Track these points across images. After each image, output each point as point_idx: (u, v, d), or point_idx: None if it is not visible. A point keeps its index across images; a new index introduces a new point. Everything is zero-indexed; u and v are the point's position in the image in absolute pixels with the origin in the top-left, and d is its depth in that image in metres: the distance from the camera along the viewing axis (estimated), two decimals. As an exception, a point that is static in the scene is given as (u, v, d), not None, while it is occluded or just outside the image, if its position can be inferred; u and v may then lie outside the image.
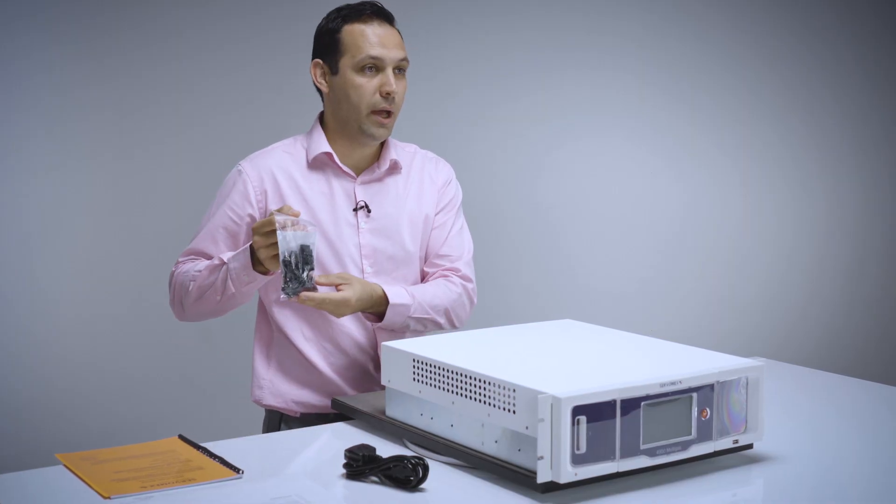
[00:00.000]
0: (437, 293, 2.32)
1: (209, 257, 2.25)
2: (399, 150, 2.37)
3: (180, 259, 2.30)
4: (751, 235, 4.10)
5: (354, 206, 2.28)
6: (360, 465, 1.70)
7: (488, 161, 3.84)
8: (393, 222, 2.31)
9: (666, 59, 3.94)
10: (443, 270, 2.41)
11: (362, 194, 2.29)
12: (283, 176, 2.26)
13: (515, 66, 3.83)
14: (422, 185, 2.37)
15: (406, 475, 1.66)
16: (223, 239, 2.25)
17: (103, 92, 3.46)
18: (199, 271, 2.21)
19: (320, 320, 2.26)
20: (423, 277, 2.43)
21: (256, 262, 2.12)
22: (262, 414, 2.39)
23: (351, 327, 2.27)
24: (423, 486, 1.66)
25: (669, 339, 2.02)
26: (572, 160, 3.92)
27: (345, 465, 1.72)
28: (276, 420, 2.32)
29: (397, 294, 2.24)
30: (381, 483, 1.69)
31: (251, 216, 2.25)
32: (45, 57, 3.37)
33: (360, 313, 2.25)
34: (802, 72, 4.10)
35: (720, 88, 4.01)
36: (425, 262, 2.42)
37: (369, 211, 2.28)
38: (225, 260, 2.17)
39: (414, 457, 1.67)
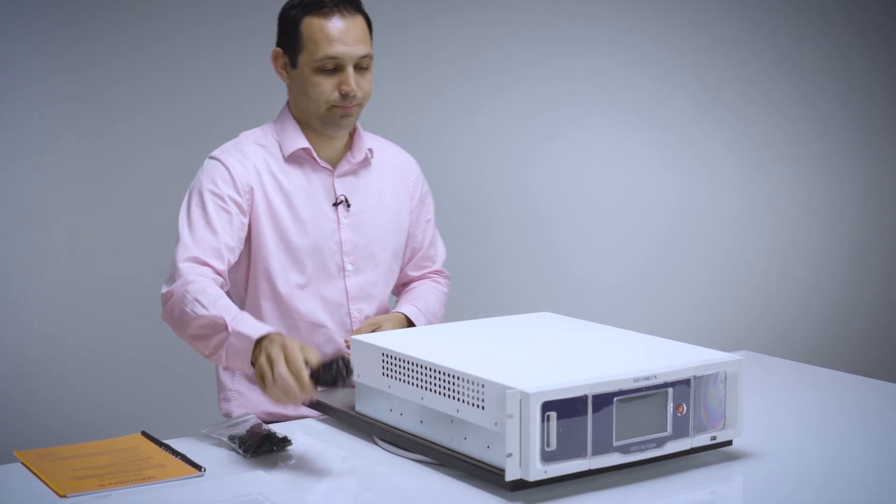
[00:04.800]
0: (435, 300, 2.34)
1: (213, 247, 2.07)
2: (371, 139, 2.29)
3: (181, 275, 2.01)
4: (748, 228, 4.04)
5: (334, 201, 2.21)
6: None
7: (480, 154, 3.79)
8: (372, 217, 2.25)
9: (659, 49, 3.88)
10: (429, 273, 2.42)
11: (341, 188, 2.22)
12: (265, 171, 2.16)
13: (507, 58, 3.77)
14: (394, 179, 2.31)
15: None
16: (220, 227, 2.07)
17: (81, 81, 3.41)
18: (201, 311, 1.91)
19: (299, 327, 2.18)
20: (405, 279, 2.39)
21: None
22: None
23: (333, 330, 2.20)
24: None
25: (664, 333, 1.98)
26: (565, 152, 3.86)
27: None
28: None
29: (416, 316, 2.25)
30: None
31: (239, 205, 2.10)
32: (27, 49, 3.33)
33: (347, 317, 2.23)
34: (802, 61, 4.03)
35: (716, 78, 3.95)
36: (409, 262, 2.38)
37: (349, 205, 2.22)
38: (228, 326, 1.86)
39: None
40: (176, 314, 1.97)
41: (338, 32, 2.09)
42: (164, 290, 2.03)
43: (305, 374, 1.68)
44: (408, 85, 3.61)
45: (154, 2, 3.43)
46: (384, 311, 2.29)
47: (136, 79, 3.43)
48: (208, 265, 2.05)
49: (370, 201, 2.25)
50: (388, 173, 2.30)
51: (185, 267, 2.02)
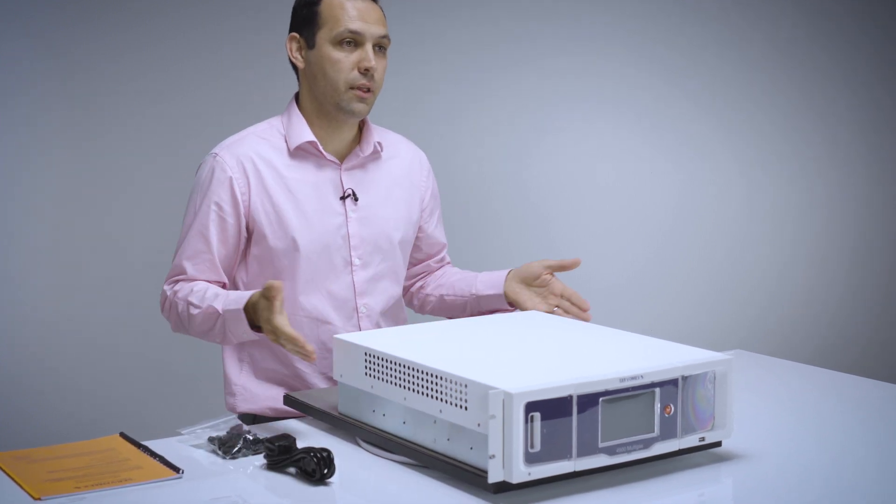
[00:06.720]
0: None
1: (207, 259, 2.12)
2: (380, 133, 2.28)
3: (174, 277, 2.14)
4: (748, 228, 4.00)
5: (342, 195, 2.18)
6: (276, 455, 1.67)
7: (478, 152, 3.76)
8: (380, 210, 2.23)
9: (660, 47, 3.85)
10: (445, 263, 2.45)
11: (348, 181, 2.20)
12: (264, 165, 2.14)
13: (505, 54, 3.74)
14: (405, 173, 2.30)
15: (311, 468, 1.61)
16: (214, 234, 2.11)
17: (79, 82, 3.38)
18: (195, 311, 2.04)
19: (302, 323, 2.15)
20: (428, 269, 2.41)
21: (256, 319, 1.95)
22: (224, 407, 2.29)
23: (339, 326, 2.17)
24: (330, 480, 1.61)
25: (663, 333, 1.95)
26: (564, 151, 3.83)
27: (265, 456, 1.69)
28: (249, 422, 2.23)
29: None
30: (296, 476, 1.64)
31: (235, 207, 2.12)
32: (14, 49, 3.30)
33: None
34: (804, 59, 4.00)
35: (716, 76, 3.92)
36: (432, 258, 2.39)
37: (356, 199, 2.19)
38: (220, 311, 1.99)
39: (322, 449, 1.62)
40: (180, 317, 2.10)
41: (357, 11, 2.11)
42: (164, 287, 2.16)
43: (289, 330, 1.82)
44: (404, 83, 3.57)
45: (152, 2, 3.41)
46: (394, 305, 2.28)
47: (135, 79, 3.41)
48: (199, 280, 2.13)
49: (379, 195, 2.23)
50: (399, 167, 2.29)
51: (178, 282, 2.14)
